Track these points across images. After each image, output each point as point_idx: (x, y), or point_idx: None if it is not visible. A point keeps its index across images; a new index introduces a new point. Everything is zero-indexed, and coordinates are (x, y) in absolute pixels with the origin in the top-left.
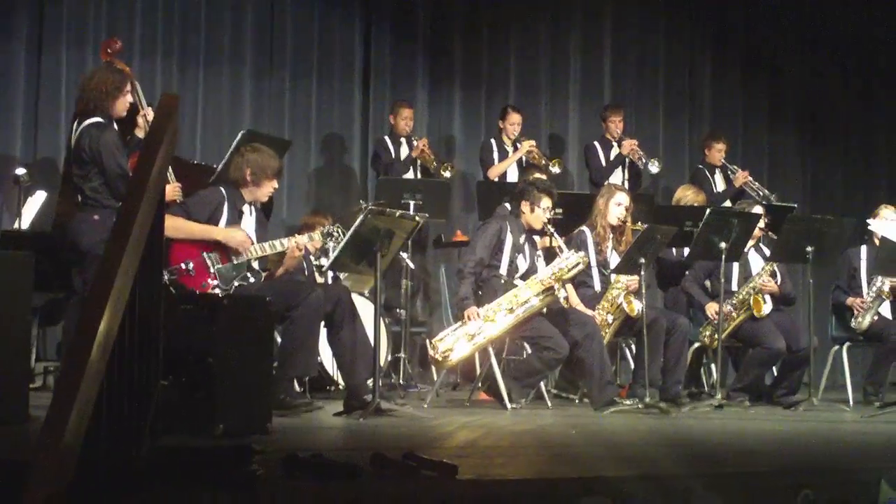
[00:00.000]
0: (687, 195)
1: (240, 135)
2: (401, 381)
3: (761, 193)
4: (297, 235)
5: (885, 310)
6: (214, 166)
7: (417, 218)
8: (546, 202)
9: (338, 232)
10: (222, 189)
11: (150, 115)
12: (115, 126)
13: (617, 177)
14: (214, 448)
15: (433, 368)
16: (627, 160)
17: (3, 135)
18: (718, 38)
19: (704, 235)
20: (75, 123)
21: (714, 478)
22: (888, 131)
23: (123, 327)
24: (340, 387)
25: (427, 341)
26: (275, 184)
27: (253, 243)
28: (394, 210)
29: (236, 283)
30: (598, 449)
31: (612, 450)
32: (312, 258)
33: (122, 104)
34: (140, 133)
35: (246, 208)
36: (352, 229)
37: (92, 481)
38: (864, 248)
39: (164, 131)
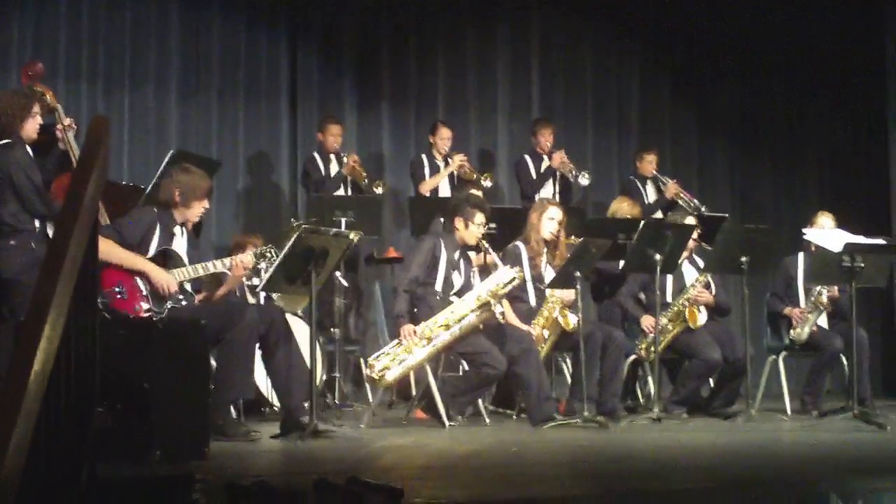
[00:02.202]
0: (622, 207)
1: (168, 155)
2: (336, 401)
3: (692, 204)
4: (238, 255)
5: (822, 320)
6: (142, 187)
7: (352, 235)
8: (480, 218)
9: (271, 252)
10: (154, 209)
11: (68, 124)
12: (27, 147)
13: (548, 190)
14: (155, 477)
15: (368, 387)
16: (558, 173)
17: None
18: (646, 50)
19: (639, 248)
20: None
21: (661, 496)
22: (816, 140)
23: (59, 356)
24: (275, 408)
25: (362, 360)
26: (205, 204)
27: (185, 265)
28: (327, 228)
29: (169, 306)
30: (541, 467)
31: (555, 468)
32: (244, 279)
33: (32, 126)
34: (60, 145)
35: (177, 229)
36: (285, 249)
37: None
38: (801, 257)
39: (96, 155)
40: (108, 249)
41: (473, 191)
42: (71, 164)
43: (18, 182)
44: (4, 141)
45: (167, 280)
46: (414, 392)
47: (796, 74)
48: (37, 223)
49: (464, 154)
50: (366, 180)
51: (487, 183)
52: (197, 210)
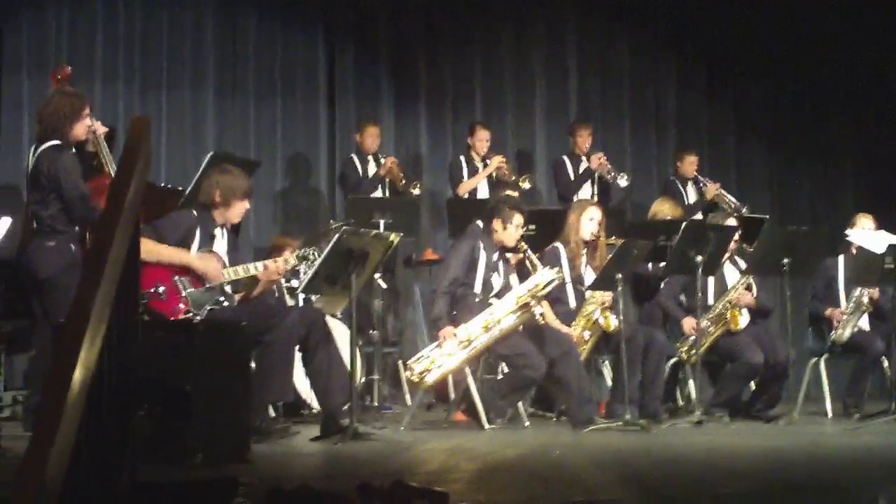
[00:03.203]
0: (663, 209)
1: (208, 157)
2: (375, 404)
3: (733, 205)
4: (279, 258)
5: (864, 321)
6: (181, 189)
7: (392, 237)
8: (518, 219)
9: (312, 254)
10: (193, 212)
11: (99, 129)
12: (74, 150)
13: (586, 192)
14: (197, 481)
15: (407, 389)
16: (596, 175)
17: None
18: (683, 51)
19: (680, 249)
20: (32, 149)
21: (706, 500)
22: (853, 140)
23: (101, 359)
24: (314, 411)
25: (400, 362)
26: (246, 204)
27: (226, 266)
28: (367, 230)
29: (209, 308)
30: (585, 472)
31: (599, 473)
32: (283, 280)
33: (81, 128)
34: (90, 147)
35: (217, 231)
36: (326, 251)
37: None
38: (841, 259)
39: (138, 155)
40: (150, 248)
41: (511, 192)
42: (101, 165)
43: (67, 188)
44: (53, 143)
45: (215, 267)
46: (453, 394)
47: (831, 73)
48: (76, 226)
49: (503, 156)
50: (403, 181)
51: (526, 185)
52: (238, 210)
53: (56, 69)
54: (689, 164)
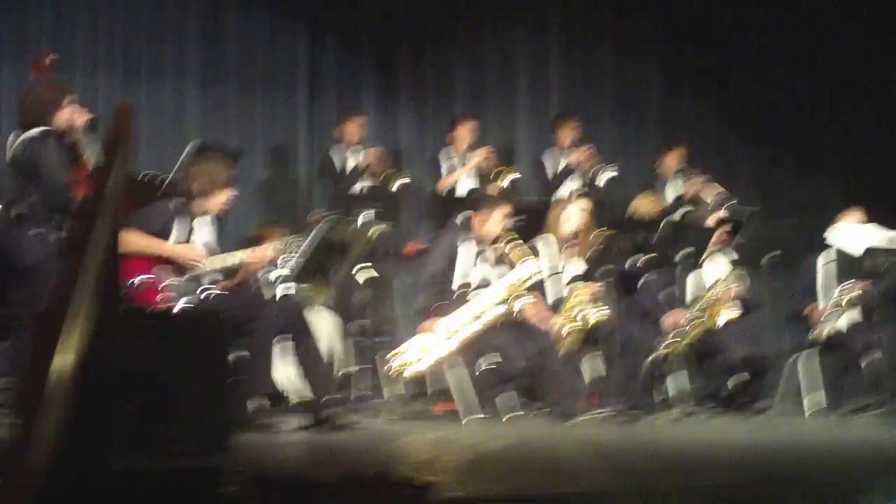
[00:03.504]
0: (644, 204)
1: (189, 147)
2: (356, 395)
3: (718, 199)
4: (261, 246)
5: (844, 319)
6: (161, 179)
7: (373, 229)
8: (498, 214)
9: (294, 245)
10: (171, 203)
11: (79, 119)
12: (56, 140)
13: (568, 186)
14: (181, 470)
15: (387, 381)
16: (580, 169)
17: None
18: (667, 45)
19: (661, 245)
20: (11, 137)
21: (689, 492)
22: (840, 136)
23: (81, 348)
24: (292, 402)
25: (380, 355)
26: (227, 194)
27: (206, 256)
28: (349, 221)
29: (189, 297)
30: (570, 462)
31: (584, 463)
32: (260, 272)
33: (62, 116)
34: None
35: (197, 221)
36: (307, 242)
37: None
38: (821, 257)
39: (120, 145)
40: (129, 239)
41: (492, 187)
42: (79, 156)
43: (46, 175)
44: (35, 131)
45: (196, 253)
46: (432, 387)
47: (818, 66)
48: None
49: (489, 147)
50: (385, 174)
51: (507, 179)
52: (218, 200)
53: (39, 56)
54: (672, 159)
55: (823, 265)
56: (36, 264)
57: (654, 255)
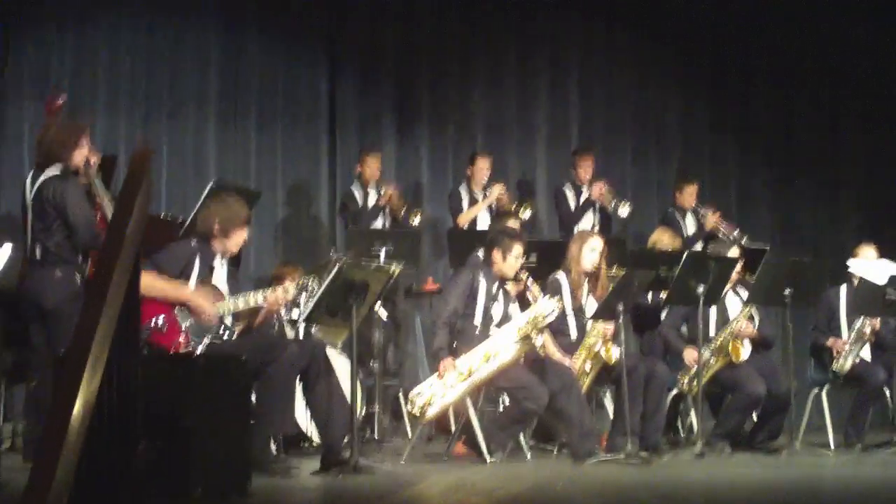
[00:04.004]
0: (662, 239)
1: (209, 186)
2: (375, 436)
3: (732, 236)
4: (278, 288)
5: (866, 352)
6: (180, 220)
7: (393, 269)
8: (518, 250)
9: (312, 284)
10: (192, 242)
11: (93, 159)
12: (77, 179)
13: (587, 221)
14: None
15: (407, 422)
16: (598, 204)
17: None
18: (686, 78)
19: (681, 280)
20: (30, 177)
21: None
22: (858, 165)
23: (101, 392)
24: (315, 443)
25: (401, 394)
26: (245, 233)
27: (225, 297)
28: (369, 261)
29: (209, 340)
30: None
31: None
32: (283, 311)
33: (80, 155)
34: (82, 179)
35: (216, 261)
36: (327, 281)
37: None
38: (843, 289)
39: (139, 187)
40: (149, 282)
41: (512, 222)
42: (93, 197)
43: (73, 214)
44: (55, 171)
45: (210, 309)
46: (454, 426)
47: (836, 98)
48: (80, 256)
49: (503, 184)
50: (404, 211)
51: (527, 213)
52: (237, 239)
53: (52, 97)
54: (689, 194)
55: (845, 296)
56: (59, 305)
57: (674, 288)
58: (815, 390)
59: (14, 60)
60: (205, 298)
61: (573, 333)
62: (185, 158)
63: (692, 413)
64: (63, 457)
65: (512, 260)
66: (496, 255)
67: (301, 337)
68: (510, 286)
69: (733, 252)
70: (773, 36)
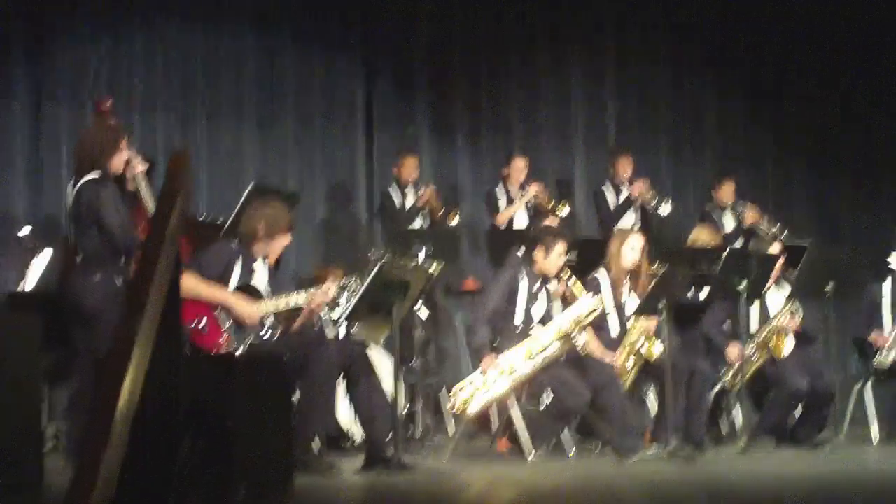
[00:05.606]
0: (702, 236)
1: (248, 188)
2: (417, 434)
3: (771, 233)
4: (320, 287)
5: None
6: (219, 222)
7: (433, 268)
8: (560, 248)
9: (354, 284)
10: (234, 244)
11: (139, 167)
12: (113, 183)
13: (628, 219)
14: None
15: (449, 419)
16: (638, 202)
17: (3, 193)
18: (721, 75)
19: (723, 277)
20: (71, 183)
21: None
22: (893, 159)
23: (143, 393)
24: (356, 442)
25: (443, 392)
26: (288, 239)
27: (266, 298)
28: (409, 260)
29: (250, 341)
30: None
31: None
32: (323, 312)
33: (119, 160)
34: (129, 186)
35: (258, 264)
36: (367, 281)
37: None
38: (886, 283)
39: (178, 190)
40: (190, 285)
41: (551, 220)
42: (140, 204)
43: (108, 219)
44: (93, 176)
45: (250, 313)
46: (495, 423)
47: (874, 92)
48: (121, 258)
49: (540, 183)
50: (441, 211)
51: (565, 211)
52: (280, 243)
53: (100, 100)
54: (727, 191)
55: (888, 290)
56: (99, 308)
57: (717, 284)
58: (859, 384)
59: (50, 63)
60: (243, 303)
61: (614, 331)
62: (224, 161)
63: (735, 409)
64: (107, 457)
65: (554, 258)
66: (538, 252)
67: (342, 336)
68: (552, 286)
69: (774, 248)
70: (809, 32)
